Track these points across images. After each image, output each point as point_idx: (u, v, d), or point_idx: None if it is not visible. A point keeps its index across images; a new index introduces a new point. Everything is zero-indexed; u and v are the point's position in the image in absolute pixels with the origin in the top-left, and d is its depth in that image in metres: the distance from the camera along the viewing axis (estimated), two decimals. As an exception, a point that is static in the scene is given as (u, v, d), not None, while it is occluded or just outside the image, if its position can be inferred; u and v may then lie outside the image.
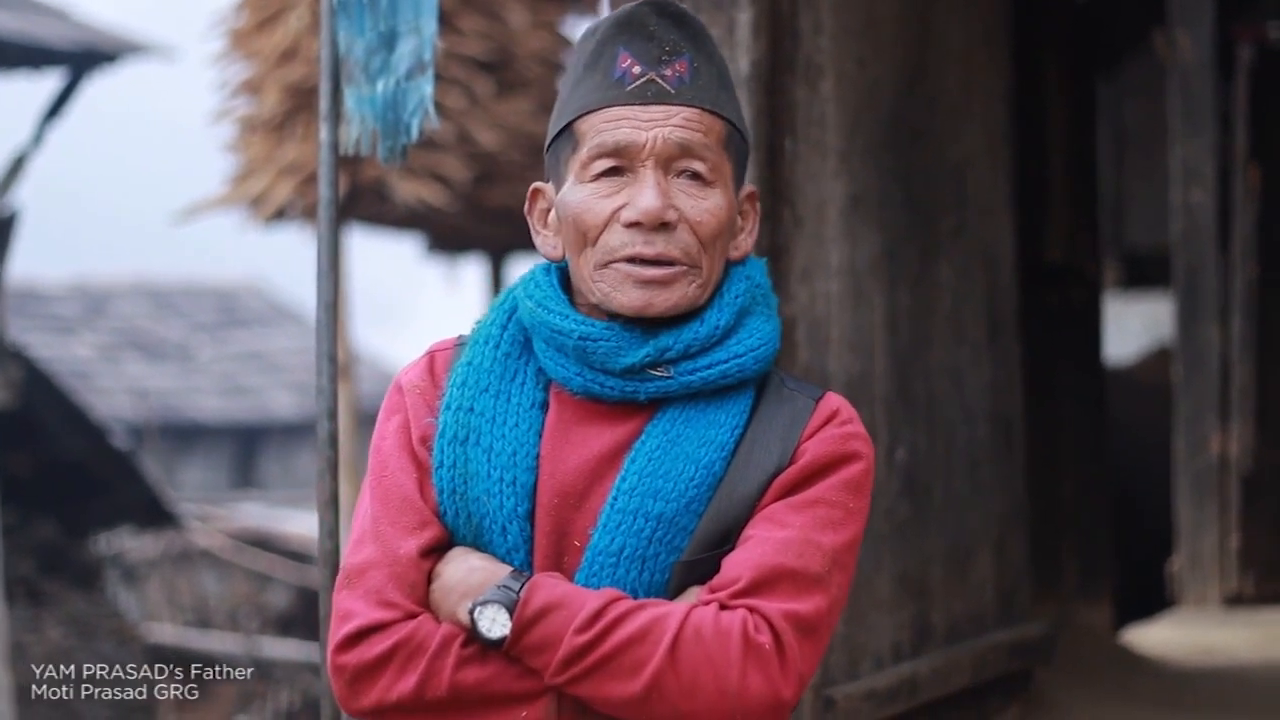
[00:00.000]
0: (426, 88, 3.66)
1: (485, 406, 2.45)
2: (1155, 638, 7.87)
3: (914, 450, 4.82)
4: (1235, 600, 8.50)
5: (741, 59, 4.16)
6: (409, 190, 10.22)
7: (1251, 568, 8.52)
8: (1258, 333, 8.58)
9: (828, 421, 2.44)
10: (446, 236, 11.47)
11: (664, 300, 2.41)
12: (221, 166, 10.83)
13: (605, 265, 2.43)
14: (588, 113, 2.44)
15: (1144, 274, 11.87)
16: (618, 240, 2.42)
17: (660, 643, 2.30)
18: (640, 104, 2.42)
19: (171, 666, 14.74)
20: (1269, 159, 8.61)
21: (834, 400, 2.47)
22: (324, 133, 3.72)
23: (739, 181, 2.50)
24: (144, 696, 14.14)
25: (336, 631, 2.40)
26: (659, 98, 2.42)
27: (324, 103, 3.73)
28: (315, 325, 3.73)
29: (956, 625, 5.07)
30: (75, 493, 14.28)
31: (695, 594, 2.37)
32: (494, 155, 10.23)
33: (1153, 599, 9.02)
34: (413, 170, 10.10)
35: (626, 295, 2.41)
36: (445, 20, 9.21)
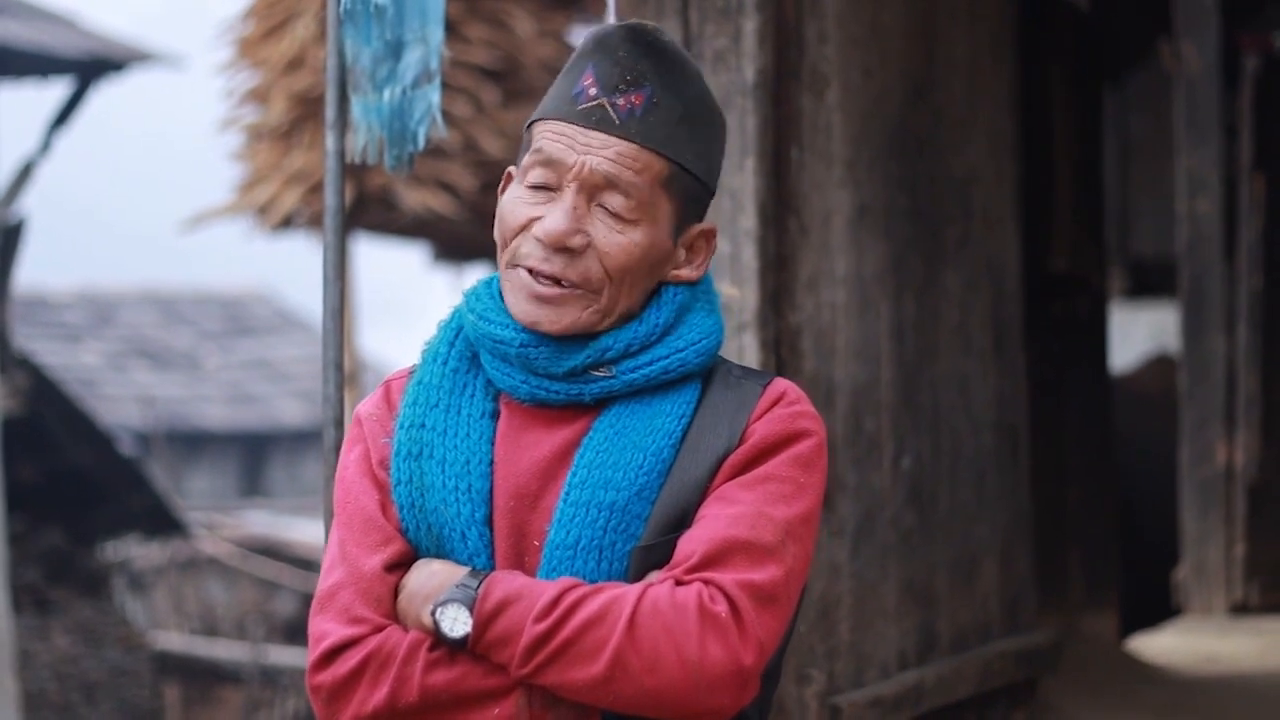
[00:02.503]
0: (433, 96, 3.67)
1: (436, 421, 2.48)
2: (1160, 646, 7.87)
3: (920, 459, 4.83)
4: (1240, 609, 8.49)
5: (747, 68, 4.17)
6: (416, 198, 10.24)
7: (1257, 577, 8.52)
8: (1263, 342, 8.58)
9: (775, 403, 2.46)
10: (453, 244, 11.49)
11: (552, 321, 2.45)
12: (228, 175, 10.85)
13: (511, 267, 2.48)
14: (543, 119, 2.49)
15: (1149, 283, 11.88)
16: (525, 249, 2.46)
17: (618, 622, 2.32)
18: (584, 126, 2.45)
19: (178, 674, 14.75)
20: (1274, 169, 8.61)
21: (781, 384, 2.49)
22: (330, 141, 3.73)
23: (685, 221, 2.51)
24: (150, 704, 14.15)
25: (311, 654, 2.43)
26: (601, 125, 2.44)
27: (330, 111, 3.74)
28: (322, 333, 3.74)
29: (962, 634, 5.07)
30: (82, 500, 14.29)
31: (654, 578, 2.39)
32: (500, 163, 10.23)
33: (1158, 608, 9.02)
34: (419, 178, 10.12)
35: (519, 306, 2.46)
36: (451, 29, 9.23)
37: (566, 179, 2.44)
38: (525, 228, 2.46)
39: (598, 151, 2.44)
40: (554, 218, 2.43)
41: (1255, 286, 8.56)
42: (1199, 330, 8.71)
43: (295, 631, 15.83)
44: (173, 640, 15.51)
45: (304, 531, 17.50)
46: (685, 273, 2.53)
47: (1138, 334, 11.88)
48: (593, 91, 2.45)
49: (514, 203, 2.48)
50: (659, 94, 2.46)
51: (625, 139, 2.44)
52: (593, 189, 2.44)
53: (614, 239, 2.44)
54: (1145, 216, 11.79)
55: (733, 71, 4.18)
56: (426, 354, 2.56)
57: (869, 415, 4.57)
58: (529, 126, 2.51)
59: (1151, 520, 9.50)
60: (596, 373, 2.46)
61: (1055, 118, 6.93)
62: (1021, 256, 5.59)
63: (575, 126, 2.45)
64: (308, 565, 16.22)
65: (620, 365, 2.46)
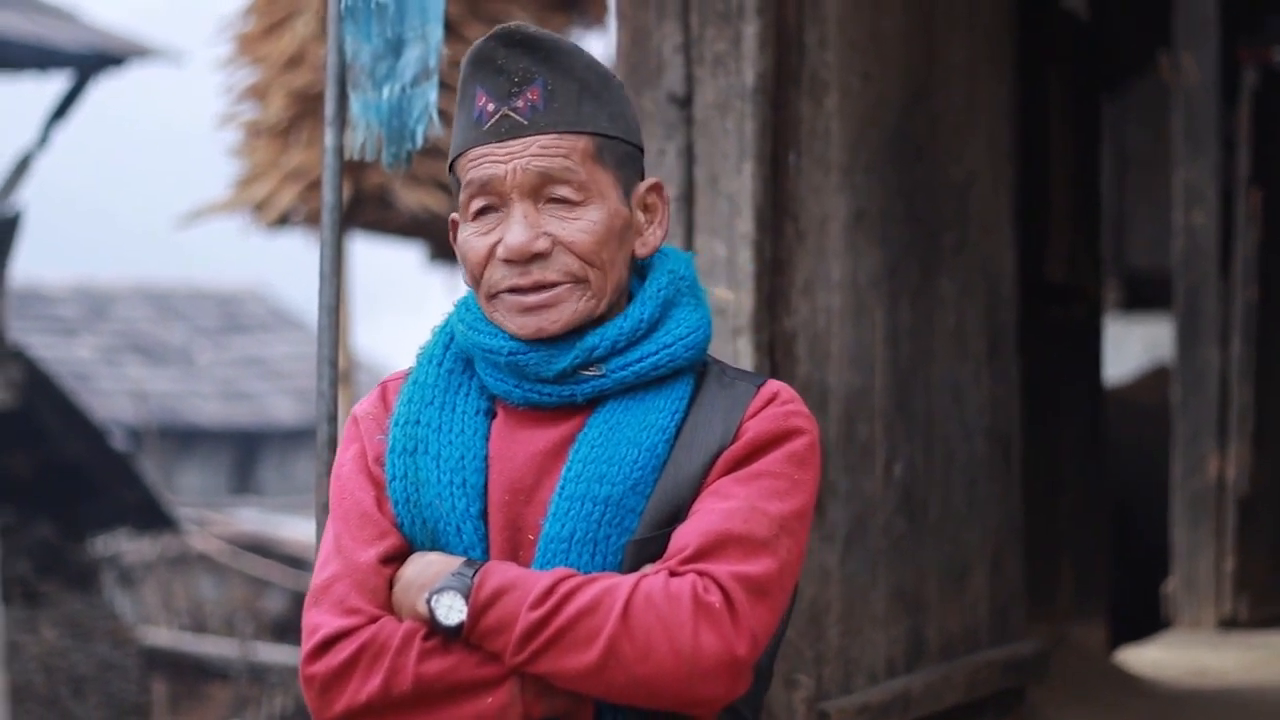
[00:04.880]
0: (431, 94, 3.68)
1: (431, 418, 2.52)
2: (1149, 658, 7.87)
3: (912, 466, 4.83)
4: (1229, 623, 8.50)
5: (747, 72, 4.17)
6: (413, 198, 10.24)
7: (1246, 591, 8.52)
8: (1257, 355, 8.58)
9: (769, 403, 2.49)
10: (449, 244, 11.48)
11: (553, 322, 2.48)
12: (226, 171, 10.85)
13: (491, 297, 2.51)
14: (459, 155, 2.52)
15: (1145, 295, 11.89)
16: (497, 275, 2.49)
17: (612, 611, 2.34)
18: (497, 141, 2.48)
19: (166, 669, 14.74)
20: (1271, 182, 8.62)
21: (775, 385, 2.53)
22: (329, 138, 3.73)
23: (629, 183, 2.54)
24: (138, 698, 14.14)
25: (305, 646, 2.45)
26: (513, 132, 2.47)
27: (329, 108, 3.74)
28: (317, 329, 3.74)
29: (951, 642, 5.08)
30: (73, 494, 14.29)
31: (649, 569, 2.42)
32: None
33: (1149, 620, 9.02)
34: (417, 178, 10.12)
35: (516, 323, 2.49)
36: (451, 29, 9.23)
37: (506, 194, 2.48)
38: (489, 255, 2.49)
39: (521, 155, 2.47)
40: (512, 233, 2.46)
41: (1250, 299, 8.57)
42: (1193, 343, 8.71)
43: (284, 629, 15.82)
44: (161, 636, 15.48)
45: (295, 529, 17.50)
46: (651, 238, 2.56)
47: (1132, 347, 11.88)
48: (490, 107, 2.49)
49: (468, 239, 2.51)
50: (551, 80, 2.49)
51: (540, 133, 2.47)
52: (534, 190, 2.47)
53: (573, 227, 2.47)
54: (1141, 228, 11.80)
55: (732, 75, 4.18)
56: (421, 356, 2.59)
57: (862, 421, 4.57)
58: (450, 170, 2.55)
59: (1146, 532, 9.50)
60: (587, 373, 2.49)
61: (1053, 126, 6.93)
62: (1017, 264, 5.60)
63: (490, 145, 2.48)
64: (298, 563, 16.21)
65: (610, 363, 2.49)
